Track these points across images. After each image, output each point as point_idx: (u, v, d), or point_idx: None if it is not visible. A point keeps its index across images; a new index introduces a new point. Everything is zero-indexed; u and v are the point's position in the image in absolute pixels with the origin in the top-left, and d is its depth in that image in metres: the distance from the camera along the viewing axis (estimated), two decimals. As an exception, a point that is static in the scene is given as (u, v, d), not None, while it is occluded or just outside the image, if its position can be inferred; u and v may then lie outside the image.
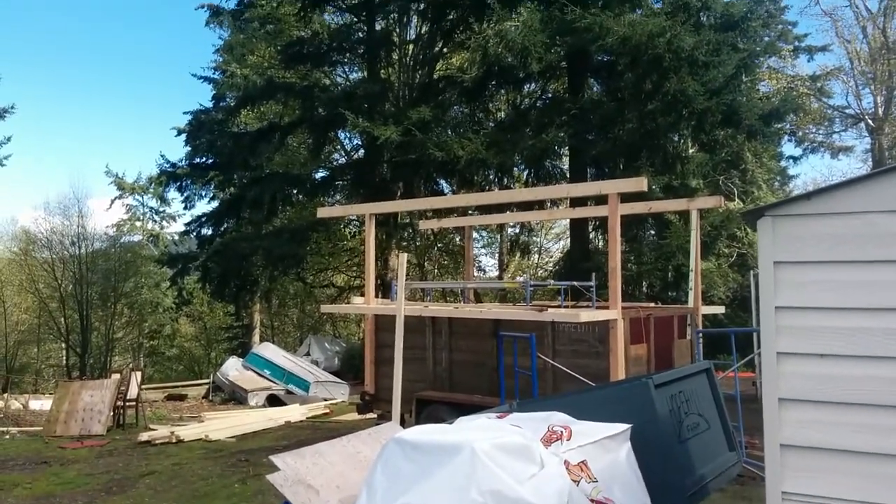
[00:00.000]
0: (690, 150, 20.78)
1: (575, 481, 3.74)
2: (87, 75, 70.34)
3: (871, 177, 2.68)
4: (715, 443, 5.19)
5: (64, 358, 31.59)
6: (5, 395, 19.28)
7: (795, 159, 26.75)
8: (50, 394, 20.27)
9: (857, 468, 2.61)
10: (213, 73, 26.42)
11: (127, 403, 14.17)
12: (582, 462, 3.93)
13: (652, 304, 12.04)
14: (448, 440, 3.75)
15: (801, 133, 26.01)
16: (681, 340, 9.70)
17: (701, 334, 10.21)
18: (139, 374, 14.98)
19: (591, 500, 3.69)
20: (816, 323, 2.68)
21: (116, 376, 15.20)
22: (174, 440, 11.81)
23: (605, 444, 4.14)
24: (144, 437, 11.96)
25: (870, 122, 25.85)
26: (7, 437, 12.99)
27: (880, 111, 25.63)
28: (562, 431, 4.09)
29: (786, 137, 22.71)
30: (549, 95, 23.17)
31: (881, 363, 2.58)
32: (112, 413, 13.66)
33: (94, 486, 8.80)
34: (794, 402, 2.70)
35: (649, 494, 4.10)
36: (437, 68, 24.68)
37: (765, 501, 2.77)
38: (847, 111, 26.86)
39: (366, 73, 23.57)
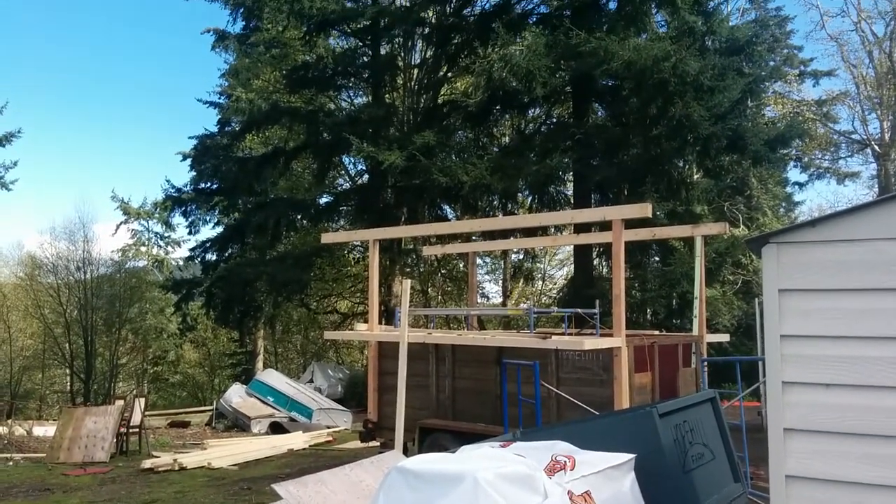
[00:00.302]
0: (695, 176, 20.81)
1: (579, 512, 3.69)
2: (93, 100, 70.99)
3: (876, 203, 2.66)
4: (720, 473, 5.13)
5: (68, 384, 31.53)
6: (9, 421, 19.23)
7: (801, 185, 26.79)
8: (54, 420, 20.22)
9: (862, 500, 2.57)
10: (219, 98, 26.67)
11: (130, 430, 14.13)
12: (586, 492, 3.88)
13: (656, 332, 11.98)
14: (451, 469, 3.71)
15: (806, 159, 26.03)
16: (685, 369, 9.63)
17: (706, 363, 10.14)
18: (143, 400, 14.94)
19: (596, 532, 3.64)
20: (822, 352, 2.65)
21: (120, 403, 15.16)
22: (177, 468, 11.74)
23: (609, 474, 4.10)
24: (147, 464, 11.89)
25: (876, 147, 25.88)
26: (10, 463, 12.94)
27: (887, 136, 25.67)
28: (565, 461, 4.05)
29: (791, 163, 22.74)
30: (554, 120, 23.30)
31: (888, 393, 2.55)
32: (115, 440, 13.61)
33: (94, 514, 8.72)
34: (800, 433, 2.66)
35: (654, 526, 4.05)
36: (442, 93, 24.85)
37: (771, 534, 2.72)
38: (853, 136, 26.92)
39: (370, 98, 23.74)
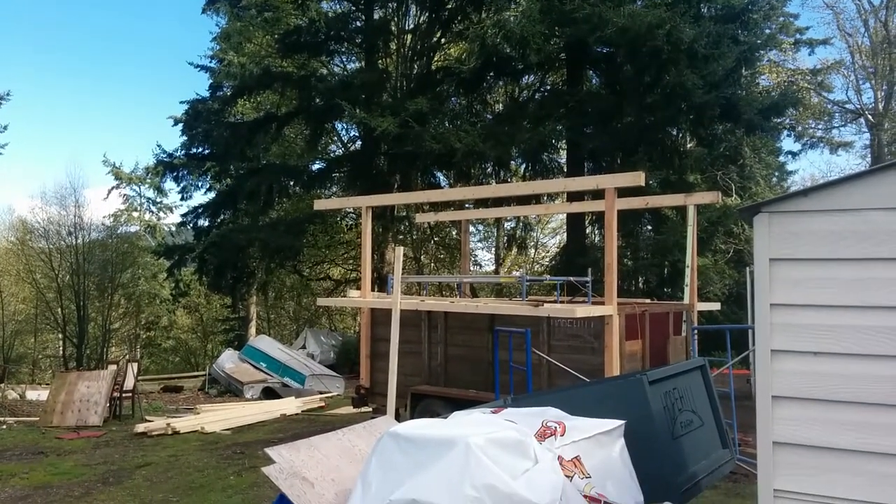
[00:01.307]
0: (689, 145, 20.77)
1: (568, 477, 3.74)
2: (84, 63, 70.05)
3: (869, 173, 2.67)
4: (708, 440, 5.20)
5: (61, 348, 31.58)
6: (2, 385, 19.27)
7: (794, 154, 26.73)
8: (47, 384, 20.28)
9: (849, 466, 2.61)
10: (210, 62, 26.30)
11: (123, 395, 14.18)
12: (576, 458, 3.93)
13: (647, 301, 12.05)
14: (443, 434, 3.75)
15: (800, 128, 25.95)
16: (676, 337, 9.71)
17: (696, 331, 10.22)
18: (136, 365, 14.97)
19: (585, 496, 3.69)
20: (811, 320, 2.67)
21: (113, 367, 15.20)
22: (170, 432, 11.82)
23: (599, 440, 4.15)
24: (140, 428, 11.97)
25: (870, 117, 25.85)
26: (4, 427, 13.00)
27: (880, 106, 25.63)
28: (556, 427, 4.10)
29: (785, 132, 22.65)
30: (548, 87, 23.15)
31: (875, 361, 2.58)
32: (109, 404, 13.66)
33: (90, 476, 8.81)
34: (787, 400, 2.70)
35: (642, 490, 4.11)
36: (435, 59, 24.63)
37: (757, 499, 2.77)
38: (847, 106, 26.87)
39: (363, 63, 23.52)
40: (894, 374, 2.55)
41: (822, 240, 2.68)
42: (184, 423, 12.31)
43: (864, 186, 2.64)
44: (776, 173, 26.28)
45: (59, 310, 29.02)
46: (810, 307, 2.68)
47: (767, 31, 21.67)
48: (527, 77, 23.24)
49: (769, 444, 2.73)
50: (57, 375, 17.04)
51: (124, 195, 39.64)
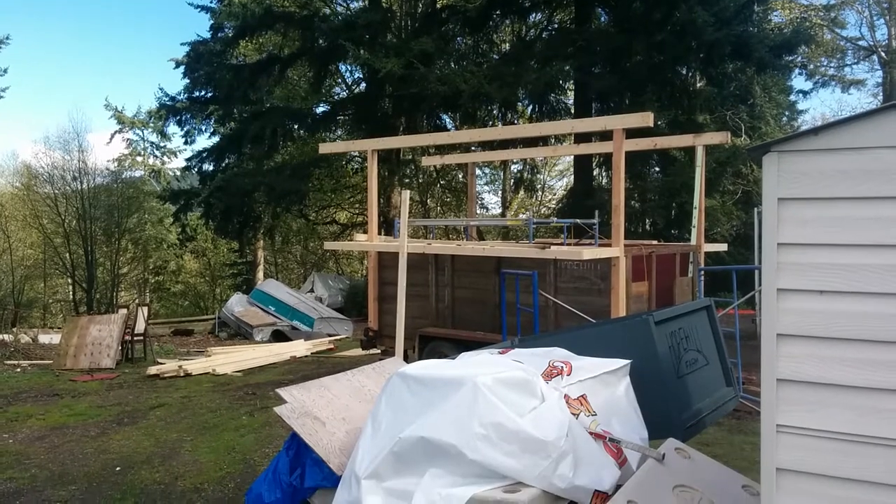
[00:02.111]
0: (698, 84, 20.45)
1: (574, 414, 3.81)
2: (83, 6, 68.91)
3: (880, 111, 2.63)
4: (713, 378, 5.27)
5: (71, 293, 31.87)
6: (14, 329, 19.55)
7: (805, 93, 26.31)
8: (58, 328, 20.55)
9: (849, 401, 2.65)
10: (211, 2, 25.86)
11: (135, 338, 14.39)
12: (581, 396, 4.00)
13: (654, 242, 12.05)
14: (451, 374, 3.81)
15: (811, 66, 25.50)
16: (682, 278, 9.74)
17: (703, 272, 10.24)
18: (146, 309, 15.14)
19: (590, 433, 3.77)
20: (818, 259, 2.68)
21: (124, 311, 15.39)
22: (182, 374, 12.03)
23: (604, 379, 4.21)
24: (153, 370, 12.17)
25: (883, 54, 25.35)
26: (18, 370, 13.23)
27: (894, 43, 25.10)
28: (562, 367, 4.15)
29: (796, 71, 22.25)
30: (555, 26, 22.72)
31: (878, 299, 2.59)
32: (120, 347, 13.87)
33: (105, 417, 9.00)
34: (792, 338, 2.72)
35: (647, 428, 4.19)
36: (440, -4, 24.14)
37: (760, 435, 2.82)
38: (860, 43, 26.32)
39: (367, 2, 23.06)
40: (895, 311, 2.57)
41: (831, 179, 2.67)
42: (195, 366, 12.51)
43: (874, 125, 2.61)
44: (786, 113, 25.93)
45: (68, 255, 29.18)
46: (818, 246, 2.68)
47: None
48: (534, 15, 22.80)
49: (773, 381, 2.76)
50: (68, 319, 17.25)
51: (127, 140, 39.55)
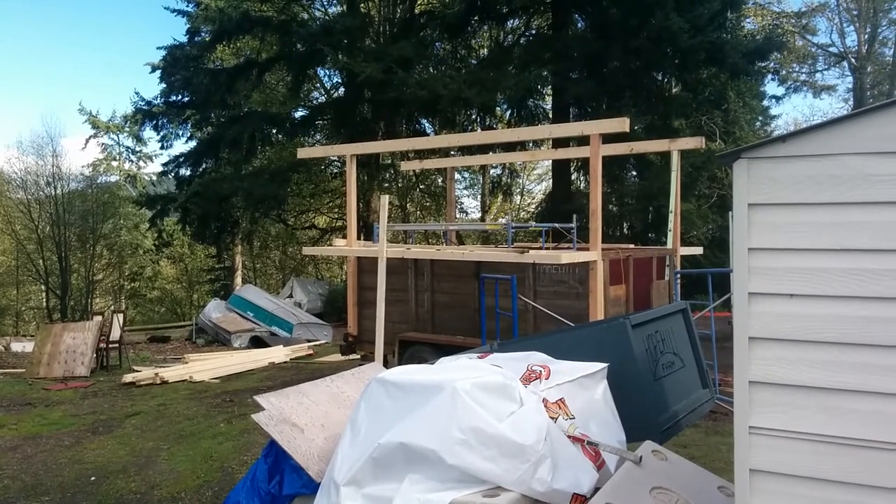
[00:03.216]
0: (674, 90, 20.68)
1: (553, 418, 3.84)
2: (57, 9, 68.16)
3: (847, 118, 2.69)
4: (689, 380, 5.33)
5: (44, 300, 31.47)
6: (-13, 337, 19.27)
7: (778, 99, 26.72)
8: (31, 336, 20.28)
9: (820, 403, 2.71)
10: (187, 6, 25.69)
11: (110, 345, 14.23)
12: (560, 400, 4.02)
13: (631, 246, 12.15)
14: (430, 379, 3.82)
15: (784, 72, 25.88)
16: (659, 281, 9.84)
17: (679, 275, 10.35)
18: (121, 316, 14.99)
19: (569, 437, 3.79)
20: (788, 264, 2.74)
21: (98, 318, 15.22)
22: (158, 381, 11.91)
23: (582, 383, 4.24)
24: (128, 378, 12.04)
25: (853, 60, 25.78)
26: (-9, 378, 13.04)
27: (863, 50, 25.54)
28: (541, 371, 4.18)
29: (769, 76, 22.62)
30: (533, 31, 22.87)
31: (844, 302, 2.65)
32: (95, 355, 13.71)
33: (79, 426, 8.90)
34: (764, 341, 2.78)
35: (625, 430, 4.23)
36: (419, 2, 24.19)
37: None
38: (830, 49, 26.77)
39: (345, 7, 23.05)
40: (864, 314, 2.63)
41: (799, 184, 2.72)
42: (172, 373, 12.40)
43: (841, 132, 2.67)
44: (760, 118, 26.27)
45: (41, 261, 28.85)
46: (787, 251, 2.74)
47: (754, -27, 21.47)
48: (512, 21, 22.93)
49: (746, 383, 2.81)
50: (41, 327, 17.05)
51: (103, 144, 39.19)
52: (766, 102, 25.76)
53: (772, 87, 26.78)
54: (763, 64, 19.32)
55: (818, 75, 27.62)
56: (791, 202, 2.73)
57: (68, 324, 15.28)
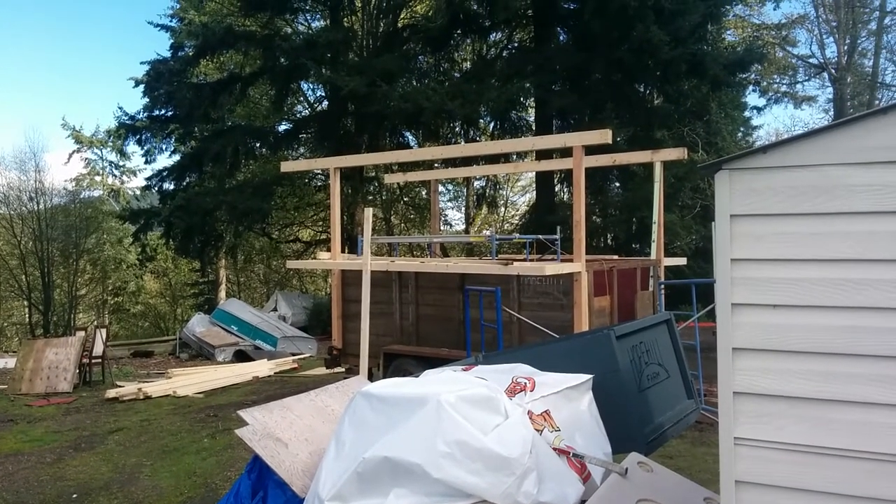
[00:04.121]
0: (656, 101, 20.84)
1: (538, 430, 3.83)
2: (40, 22, 67.84)
3: (826, 129, 2.72)
4: (674, 391, 5.34)
5: (27, 315, 31.14)
6: (-33, 354, 19.01)
7: (759, 109, 27.01)
8: (13, 352, 20.04)
9: (804, 413, 2.72)
10: (171, 21, 25.64)
11: (93, 361, 14.07)
12: (545, 412, 4.02)
13: (615, 257, 12.19)
14: (414, 393, 3.80)
15: (765, 83, 26.16)
16: (643, 292, 9.86)
17: (663, 286, 10.39)
18: (104, 331, 14.83)
19: (554, 449, 3.78)
20: (770, 274, 2.75)
21: (81, 333, 15.04)
22: (142, 397, 11.79)
23: (567, 395, 4.24)
24: (111, 393, 11.91)
25: (833, 71, 26.09)
26: (-30, 396, 12.85)
27: (843, 60, 25.85)
28: (525, 383, 4.17)
29: (750, 87, 22.86)
30: (515, 45, 23.01)
31: (827, 312, 2.67)
32: (78, 370, 13.56)
33: (62, 442, 8.78)
34: (747, 352, 2.78)
35: (610, 441, 4.22)
36: (402, 16, 24.27)
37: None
38: (811, 60, 27.08)
39: (328, 22, 23.10)
40: (848, 324, 2.64)
41: (781, 195, 2.74)
42: (155, 388, 12.28)
43: (821, 142, 2.70)
44: (742, 128, 26.53)
45: (24, 277, 28.56)
46: (770, 261, 2.75)
47: (734, -16, 21.72)
48: (494, 34, 23.06)
49: (730, 394, 2.82)
50: (24, 343, 16.84)
51: (86, 159, 38.94)
52: (747, 113, 26.05)
53: (753, 98, 27.13)
54: (744, 75, 19.52)
55: (799, 86, 27.96)
56: (773, 213, 2.74)
57: (51, 339, 15.11)
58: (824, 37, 26.58)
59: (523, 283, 8.62)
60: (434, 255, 13.83)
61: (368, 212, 7.90)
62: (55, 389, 12.84)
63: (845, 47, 26.10)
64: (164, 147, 27.04)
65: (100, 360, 14.18)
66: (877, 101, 25.29)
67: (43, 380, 13.04)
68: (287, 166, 12.86)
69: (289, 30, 23.95)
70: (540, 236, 10.45)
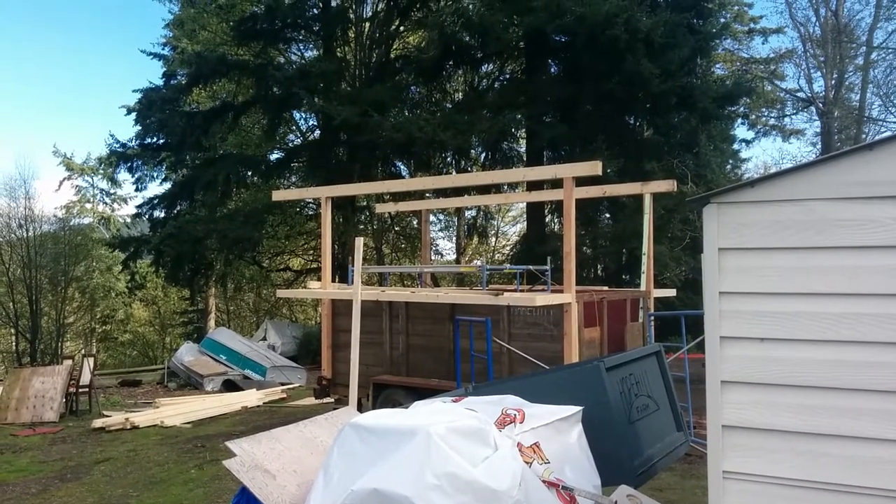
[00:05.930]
0: (646, 134, 21.03)
1: (528, 463, 3.81)
2: (33, 51, 68.12)
3: (811, 164, 2.76)
4: (664, 423, 5.33)
5: (13, 343, 30.81)
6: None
7: (748, 142, 27.26)
8: (0, 381, 19.82)
9: (794, 447, 2.72)
10: (164, 50, 25.79)
11: (80, 390, 13.93)
12: (535, 444, 4.01)
13: (605, 288, 12.22)
14: (404, 424, 3.79)
15: (753, 116, 26.45)
16: (633, 323, 9.88)
17: (653, 317, 10.41)
18: (92, 359, 14.71)
19: (544, 481, 3.77)
20: (757, 308, 2.77)
21: (68, 362, 14.91)
22: (129, 426, 11.68)
23: (557, 427, 4.23)
24: (98, 423, 11.80)
25: (820, 105, 26.41)
26: (-46, 425, 12.69)
27: (830, 95, 26.19)
28: (515, 414, 4.16)
29: (739, 120, 23.13)
30: (507, 76, 23.24)
31: (815, 346, 2.69)
32: (65, 400, 13.42)
33: (47, 473, 8.67)
34: (735, 385, 2.80)
35: (600, 474, 4.21)
36: (394, 47, 24.51)
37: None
38: (798, 94, 27.41)
39: (321, 52, 23.30)
40: (835, 357, 2.66)
41: (767, 229, 2.78)
42: (143, 418, 12.17)
43: (807, 177, 2.74)
44: (731, 161, 26.73)
45: (11, 304, 28.29)
46: (757, 295, 2.78)
47: (722, 20, 22.08)
48: (486, 66, 23.29)
49: (718, 427, 2.82)
50: (10, 371, 16.67)
51: (76, 186, 38.85)
52: (736, 146, 26.28)
53: (742, 131, 27.42)
54: (733, 108, 19.77)
55: (787, 119, 28.25)
56: (759, 246, 2.78)
57: (37, 368, 14.95)
58: (812, 71, 26.93)
59: (513, 313, 8.63)
60: (425, 284, 13.83)
61: (359, 241, 7.90)
62: (41, 419, 12.70)
63: (833, 82, 26.44)
64: (155, 175, 27.05)
65: (87, 390, 14.04)
66: (864, 135, 25.57)
67: (29, 409, 12.90)
68: (278, 195, 12.89)
69: (282, 59, 24.12)
70: (530, 267, 10.50)
